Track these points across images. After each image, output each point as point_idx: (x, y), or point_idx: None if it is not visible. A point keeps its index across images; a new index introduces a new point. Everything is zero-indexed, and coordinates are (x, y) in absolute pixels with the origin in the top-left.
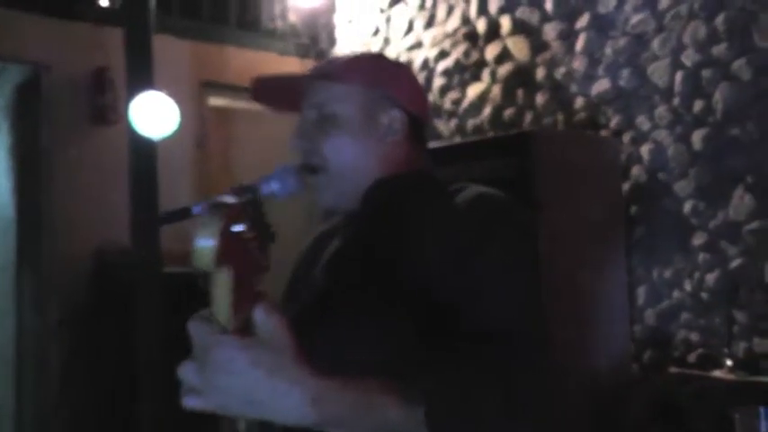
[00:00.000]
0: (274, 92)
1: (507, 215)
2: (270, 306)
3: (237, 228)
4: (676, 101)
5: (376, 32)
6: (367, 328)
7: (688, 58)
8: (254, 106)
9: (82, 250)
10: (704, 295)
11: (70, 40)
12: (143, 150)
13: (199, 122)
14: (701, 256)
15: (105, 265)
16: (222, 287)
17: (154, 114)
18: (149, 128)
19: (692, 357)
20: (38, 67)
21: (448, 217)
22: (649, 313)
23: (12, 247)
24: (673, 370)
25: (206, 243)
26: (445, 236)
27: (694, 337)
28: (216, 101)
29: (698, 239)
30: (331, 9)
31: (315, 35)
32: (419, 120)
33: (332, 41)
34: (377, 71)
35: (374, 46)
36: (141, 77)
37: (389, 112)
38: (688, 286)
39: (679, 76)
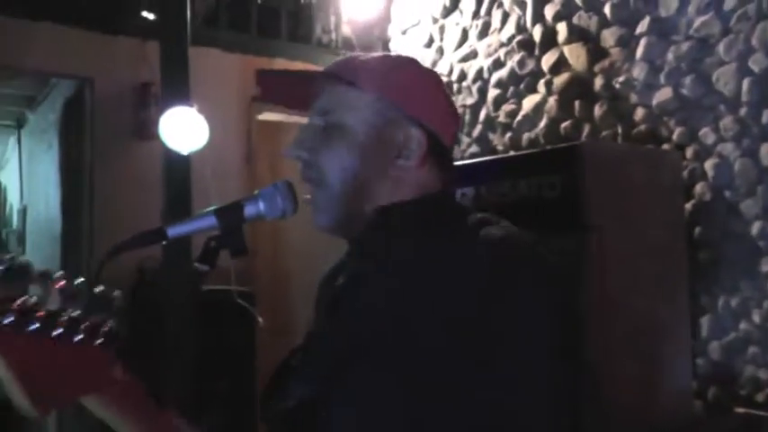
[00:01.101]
0: (286, 88)
1: (535, 273)
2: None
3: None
4: (743, 111)
5: (430, 43)
6: (351, 417)
7: (756, 63)
8: (303, 120)
9: (123, 266)
10: None
11: (115, 55)
12: (176, 165)
13: (247, 137)
14: None
15: (144, 282)
16: (6, 382)
17: (185, 129)
18: (181, 142)
19: (760, 397)
20: (83, 82)
21: (460, 268)
22: (714, 346)
23: (59, 261)
24: (739, 410)
25: None
26: (449, 299)
27: (763, 374)
28: (265, 115)
29: (767, 265)
30: (386, 20)
31: (369, 47)
32: (442, 141)
33: (387, 53)
34: (399, 79)
35: (428, 57)
36: (177, 91)
37: (406, 129)
38: (756, 317)
39: (746, 83)
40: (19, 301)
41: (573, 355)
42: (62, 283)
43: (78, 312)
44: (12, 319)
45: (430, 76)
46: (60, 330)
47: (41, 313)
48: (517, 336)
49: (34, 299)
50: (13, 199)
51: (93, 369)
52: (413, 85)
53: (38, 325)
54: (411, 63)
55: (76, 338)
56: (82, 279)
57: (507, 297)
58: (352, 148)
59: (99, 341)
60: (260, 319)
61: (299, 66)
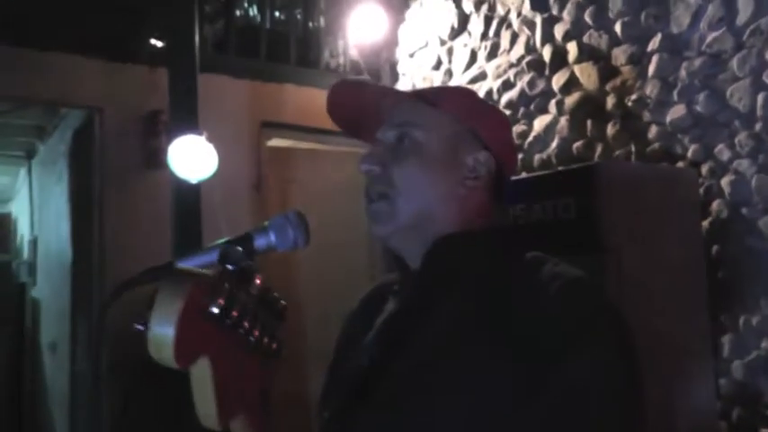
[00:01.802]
0: (353, 110)
1: (610, 319)
2: (250, 420)
3: (212, 308)
4: (759, 126)
5: (438, 65)
6: None
7: None
8: (313, 146)
9: (134, 296)
10: None
11: (124, 83)
12: (186, 194)
13: (256, 163)
14: None
15: None
16: (200, 386)
17: (194, 158)
18: (189, 171)
19: None
20: (92, 111)
21: (533, 307)
22: (736, 366)
23: (68, 292)
24: (765, 431)
25: (162, 330)
26: (525, 337)
27: None
28: (274, 141)
29: None
30: (393, 43)
31: (377, 70)
32: (504, 169)
33: (395, 76)
34: (471, 104)
35: (436, 79)
36: (186, 119)
37: (477, 152)
38: None
39: (761, 98)
40: (224, 295)
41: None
42: (259, 279)
43: (265, 322)
44: (217, 311)
45: (497, 110)
46: (252, 336)
47: (235, 312)
48: (594, 382)
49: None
50: (24, 230)
51: (258, 384)
52: (484, 114)
53: (232, 324)
54: (476, 94)
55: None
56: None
57: (586, 339)
58: (425, 164)
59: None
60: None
61: (307, 91)
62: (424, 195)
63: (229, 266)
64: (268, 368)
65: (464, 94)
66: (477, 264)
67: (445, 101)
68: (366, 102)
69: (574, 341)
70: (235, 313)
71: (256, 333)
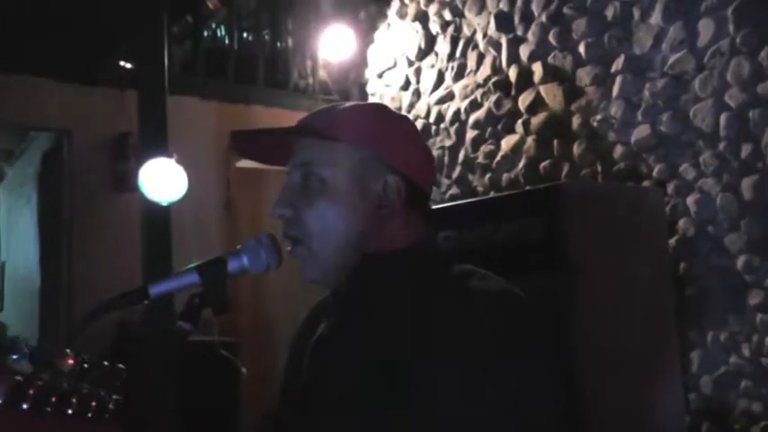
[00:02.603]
0: (262, 145)
1: (534, 328)
2: None
3: (21, 404)
4: (722, 145)
5: (407, 86)
6: None
7: (732, 98)
8: (282, 167)
9: (104, 321)
10: (765, 360)
11: (93, 106)
12: (156, 216)
13: (226, 185)
14: (759, 317)
15: (126, 336)
16: None
17: (164, 180)
18: (160, 193)
19: (755, 430)
20: (61, 134)
21: (456, 319)
22: (705, 381)
23: (37, 318)
24: None
25: None
26: (451, 348)
27: (756, 407)
28: (243, 162)
29: (754, 298)
30: (362, 64)
31: (345, 91)
32: (420, 186)
33: (363, 96)
34: (372, 127)
35: (405, 99)
36: (155, 142)
37: (384, 177)
38: (746, 351)
39: (724, 118)
40: (33, 384)
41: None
42: (71, 360)
43: (87, 389)
44: (30, 403)
45: (404, 122)
46: (72, 410)
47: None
48: (519, 393)
49: (46, 378)
50: None
51: None
52: (388, 134)
53: (50, 407)
54: (384, 111)
55: (86, 414)
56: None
57: (509, 351)
58: (333, 201)
59: (105, 417)
60: (244, 370)
61: (275, 112)
62: (338, 234)
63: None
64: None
65: (363, 116)
66: (397, 280)
67: (343, 132)
68: (270, 139)
69: (497, 351)
70: (53, 398)
71: (73, 402)
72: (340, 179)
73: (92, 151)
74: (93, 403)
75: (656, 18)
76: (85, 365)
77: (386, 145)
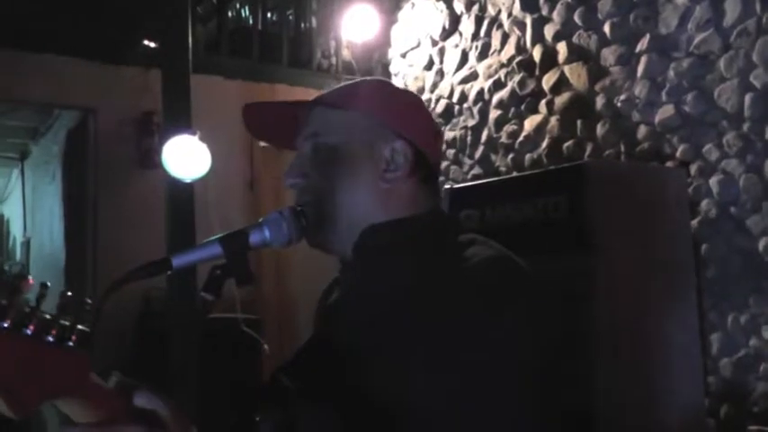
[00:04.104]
0: (275, 126)
1: (522, 293)
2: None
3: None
4: (746, 126)
5: (430, 65)
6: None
7: (758, 78)
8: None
9: (129, 296)
10: None
11: (117, 84)
12: (179, 193)
13: (249, 163)
14: None
15: (150, 311)
16: None
17: (187, 157)
18: (183, 170)
19: None
20: (86, 113)
21: (445, 286)
22: (725, 363)
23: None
24: (752, 428)
25: None
26: (434, 316)
27: None
28: None
29: None
30: (385, 44)
31: (369, 71)
32: (427, 155)
33: (387, 76)
34: (380, 98)
35: (428, 79)
36: (179, 120)
37: (392, 143)
38: (767, 333)
39: (748, 98)
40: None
41: (567, 373)
42: (30, 281)
43: (49, 315)
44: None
45: (408, 93)
46: (32, 330)
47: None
48: (502, 354)
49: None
50: (17, 231)
51: (67, 371)
52: (396, 102)
53: (6, 324)
54: (390, 83)
55: (48, 339)
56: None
57: (498, 316)
58: (343, 167)
59: (71, 343)
60: (266, 347)
61: (299, 91)
62: (347, 198)
63: None
64: (80, 354)
65: (370, 87)
66: (400, 251)
67: (351, 101)
68: (281, 116)
69: (488, 307)
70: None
71: (32, 327)
72: (348, 145)
73: (116, 129)
74: (54, 331)
75: None
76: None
77: (393, 112)
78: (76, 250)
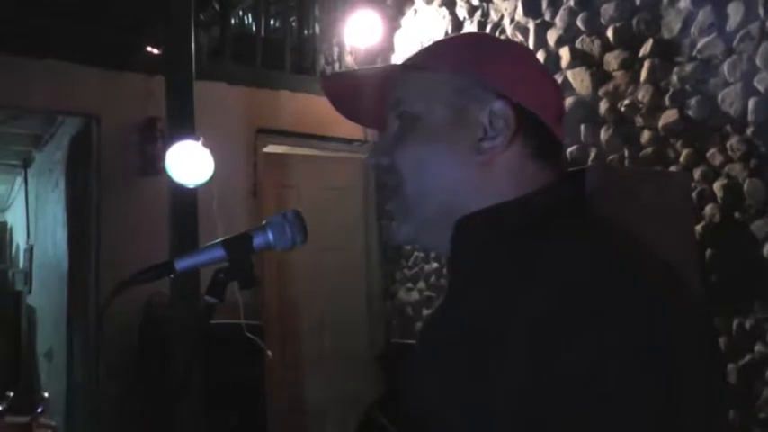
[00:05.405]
0: (356, 98)
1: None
2: None
3: None
4: (750, 130)
5: None
6: None
7: (761, 82)
8: (308, 151)
9: (131, 303)
10: None
11: (120, 91)
12: (183, 199)
13: (253, 169)
14: None
15: (153, 317)
16: None
17: (191, 163)
18: (187, 176)
19: None
20: (89, 119)
21: (565, 293)
22: (730, 369)
23: (65, 300)
24: None
25: None
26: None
27: None
28: (270, 147)
29: None
30: (388, 49)
31: None
32: (539, 116)
33: None
34: (474, 52)
35: None
36: (183, 126)
37: (489, 104)
38: None
39: (752, 102)
40: None
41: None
42: None
43: None
44: None
45: (513, 46)
46: None
47: None
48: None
49: None
50: (20, 238)
51: None
52: (491, 56)
53: None
54: (485, 36)
55: None
56: None
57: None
58: (427, 137)
59: None
60: (269, 352)
61: (302, 97)
62: (433, 175)
63: None
64: None
65: (462, 41)
66: (499, 244)
67: (438, 59)
68: (366, 90)
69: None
70: None
71: None
72: (435, 111)
73: (119, 136)
74: None
75: (684, 2)
76: None
77: (487, 66)
78: (80, 257)
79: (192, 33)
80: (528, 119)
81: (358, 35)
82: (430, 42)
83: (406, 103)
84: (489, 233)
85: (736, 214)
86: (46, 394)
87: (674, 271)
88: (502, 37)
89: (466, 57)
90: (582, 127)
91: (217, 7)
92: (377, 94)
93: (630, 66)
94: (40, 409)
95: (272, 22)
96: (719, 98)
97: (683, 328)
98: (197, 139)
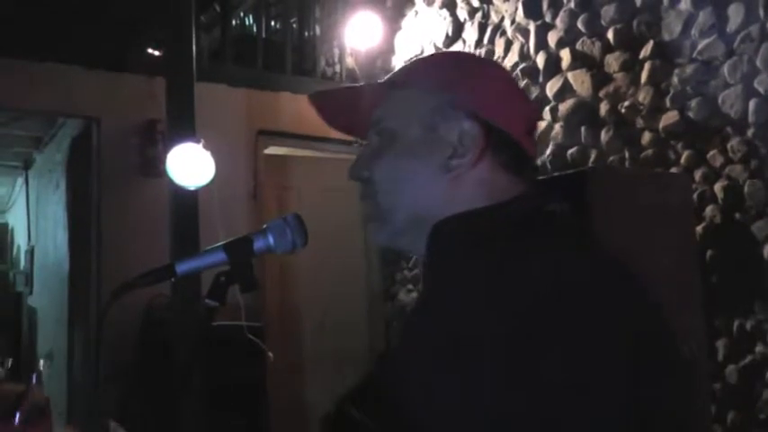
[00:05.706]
0: (346, 114)
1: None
2: None
3: None
4: (751, 132)
5: None
6: None
7: (762, 83)
8: (309, 153)
9: (132, 305)
10: None
11: (121, 92)
12: (183, 201)
13: (253, 171)
14: None
15: (153, 321)
16: None
17: (191, 164)
18: (187, 178)
19: None
20: (89, 121)
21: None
22: (731, 370)
23: (66, 302)
24: None
25: None
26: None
27: None
28: (271, 149)
29: None
30: (389, 51)
31: (372, 78)
32: (506, 130)
33: None
34: (446, 70)
35: None
36: (183, 128)
37: (460, 123)
38: None
39: (752, 104)
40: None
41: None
42: None
43: None
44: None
45: (484, 62)
46: None
47: None
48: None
49: None
50: (21, 240)
51: None
52: (466, 76)
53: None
54: (464, 55)
55: None
56: None
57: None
58: (400, 153)
59: None
60: (270, 354)
61: (303, 99)
62: (405, 189)
63: None
64: None
65: (438, 61)
66: (469, 250)
67: (414, 77)
68: (350, 105)
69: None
70: None
71: None
72: (410, 130)
73: (120, 137)
74: None
75: (685, 3)
76: None
77: (460, 85)
78: (80, 258)
79: (193, 35)
80: (497, 135)
81: (359, 37)
82: (410, 60)
83: (385, 120)
84: (464, 237)
85: (737, 215)
86: (41, 366)
87: (628, 269)
88: (502, 39)
89: (440, 76)
90: (582, 128)
91: (217, 9)
92: (365, 109)
93: (631, 67)
94: (33, 380)
95: (272, 23)
96: (720, 100)
97: (640, 324)
98: (197, 141)
